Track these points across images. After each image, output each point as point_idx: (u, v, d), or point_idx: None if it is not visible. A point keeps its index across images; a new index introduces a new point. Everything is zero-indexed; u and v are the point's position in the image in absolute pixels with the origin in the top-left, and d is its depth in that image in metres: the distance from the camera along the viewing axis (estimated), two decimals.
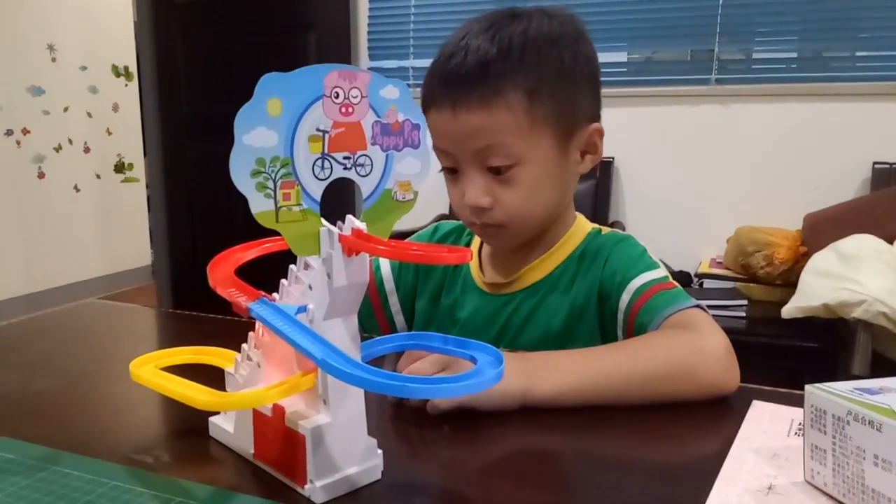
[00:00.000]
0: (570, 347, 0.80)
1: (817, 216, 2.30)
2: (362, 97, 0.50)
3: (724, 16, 2.60)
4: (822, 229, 2.20)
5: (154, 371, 0.59)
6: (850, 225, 2.08)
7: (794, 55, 2.65)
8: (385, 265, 0.97)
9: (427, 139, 0.54)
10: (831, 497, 0.49)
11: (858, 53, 2.55)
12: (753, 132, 2.58)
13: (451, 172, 0.83)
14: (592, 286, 0.84)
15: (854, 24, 2.51)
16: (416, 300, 0.97)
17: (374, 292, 0.97)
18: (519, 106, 0.77)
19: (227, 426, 0.58)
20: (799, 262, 2.21)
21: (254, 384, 0.56)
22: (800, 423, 0.59)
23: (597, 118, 0.84)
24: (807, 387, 0.51)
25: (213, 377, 0.59)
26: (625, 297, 0.80)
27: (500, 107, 0.76)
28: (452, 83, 0.78)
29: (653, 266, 0.82)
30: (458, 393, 0.45)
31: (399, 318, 0.98)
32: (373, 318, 0.98)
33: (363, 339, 0.55)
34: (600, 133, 0.84)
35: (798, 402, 0.63)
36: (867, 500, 0.46)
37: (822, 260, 1.99)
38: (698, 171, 2.61)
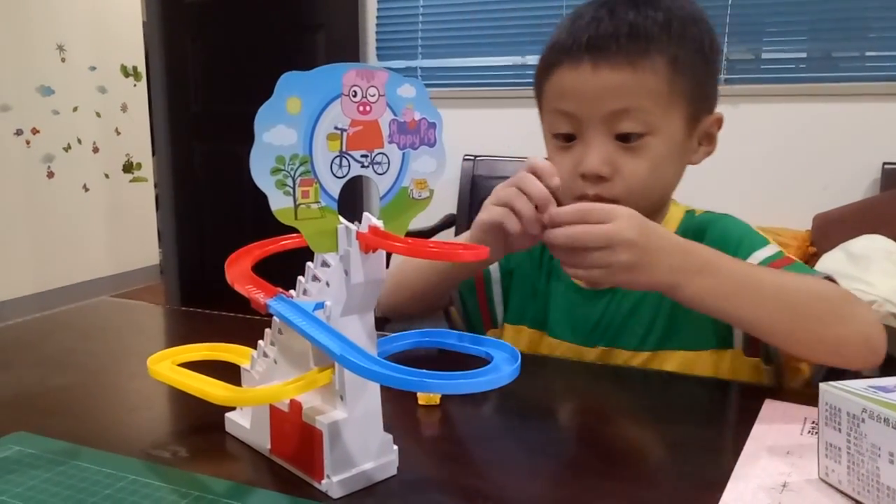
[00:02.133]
0: (676, 345, 0.80)
1: (826, 216, 2.29)
2: (380, 96, 0.51)
3: (732, 16, 2.59)
4: (832, 230, 2.19)
5: (171, 367, 0.60)
6: (860, 225, 2.07)
7: (804, 55, 2.64)
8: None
9: (443, 138, 0.54)
10: (846, 495, 0.49)
11: (868, 53, 2.53)
12: (762, 132, 2.57)
13: (566, 140, 0.80)
14: None
15: (864, 23, 2.50)
16: (510, 291, 0.94)
17: (480, 280, 0.94)
18: (664, 72, 0.75)
19: (244, 422, 0.59)
20: (808, 262, 2.20)
21: (270, 380, 0.57)
22: (813, 422, 0.60)
23: (714, 110, 0.82)
24: (821, 385, 0.51)
25: (228, 373, 0.59)
26: None
27: (645, 69, 0.75)
28: (596, 41, 0.75)
29: (762, 242, 0.79)
30: (476, 388, 0.45)
31: (499, 310, 0.95)
32: (477, 309, 0.95)
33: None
34: (720, 123, 0.82)
35: (809, 401, 0.63)
36: (882, 498, 0.46)
37: (831, 260, 1.98)
38: (707, 171, 2.58)
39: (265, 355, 0.58)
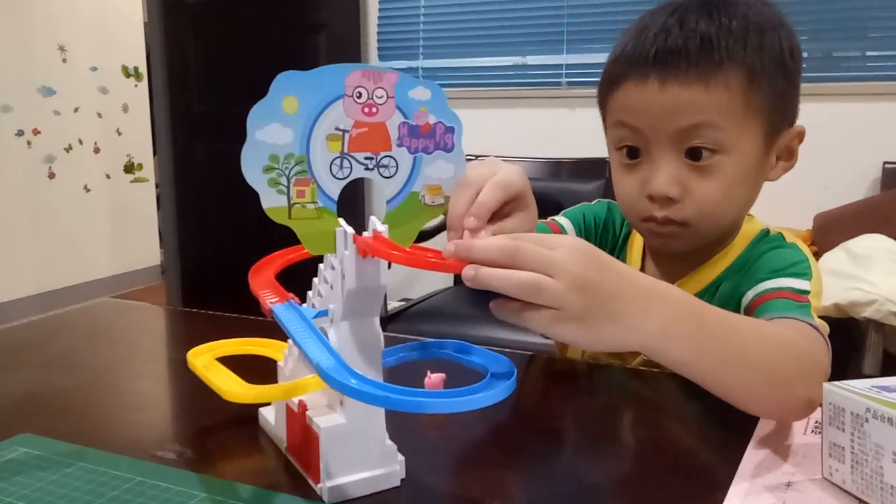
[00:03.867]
0: None
1: (828, 216, 2.30)
2: (388, 98, 0.50)
3: None
4: (833, 229, 2.20)
5: (208, 360, 0.61)
6: (861, 225, 2.07)
7: (805, 55, 2.63)
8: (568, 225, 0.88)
9: (461, 143, 0.52)
10: (850, 494, 0.49)
11: (869, 53, 2.54)
12: None
13: (631, 156, 0.75)
14: (732, 295, 0.75)
15: (865, 23, 2.50)
16: None
17: None
18: (738, 87, 0.70)
19: (270, 417, 0.60)
20: None
21: (296, 377, 0.56)
22: (816, 422, 0.60)
23: (794, 122, 0.78)
24: (825, 384, 0.51)
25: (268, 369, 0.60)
26: (749, 295, 0.72)
27: (718, 84, 0.70)
28: (664, 55, 0.70)
29: (801, 275, 0.72)
30: (472, 406, 0.43)
31: None
32: None
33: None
34: (801, 137, 0.77)
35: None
36: (886, 497, 0.46)
37: (832, 260, 1.98)
38: None
39: (292, 353, 0.58)
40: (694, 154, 0.71)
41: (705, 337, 0.55)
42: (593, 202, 0.92)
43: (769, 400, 0.59)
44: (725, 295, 0.77)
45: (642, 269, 0.84)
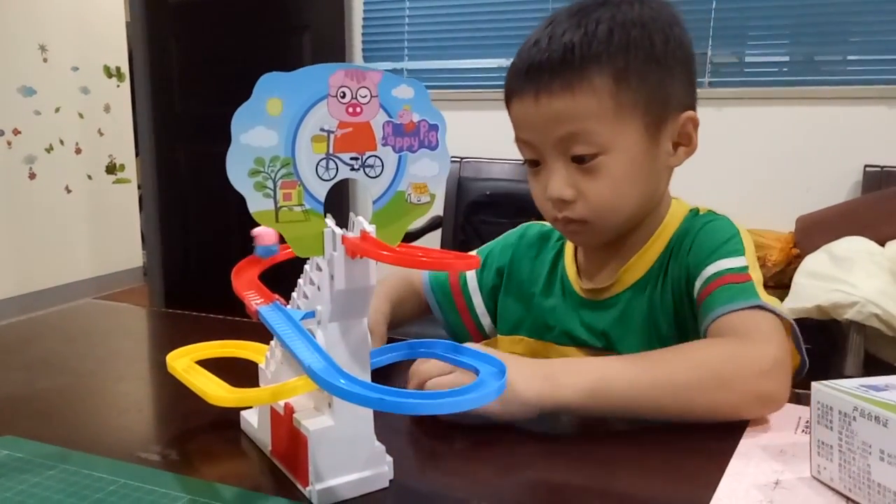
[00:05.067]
0: None
1: (809, 218, 2.31)
2: (372, 97, 0.49)
3: (717, 19, 2.61)
4: (815, 231, 2.21)
5: (188, 364, 0.60)
6: (843, 227, 2.09)
7: (787, 59, 2.67)
8: None
9: (446, 140, 0.53)
10: (837, 492, 0.49)
11: (850, 57, 2.56)
12: (746, 135, 2.59)
13: (534, 165, 0.80)
14: (681, 275, 0.79)
15: (845, 27, 2.53)
16: (498, 302, 0.93)
17: (458, 293, 0.94)
18: (605, 91, 0.73)
19: (253, 420, 0.59)
20: (791, 263, 2.22)
21: (279, 380, 0.56)
22: (806, 421, 0.60)
23: (691, 107, 0.80)
24: (813, 384, 0.51)
25: (249, 372, 0.59)
26: (697, 285, 0.75)
27: (584, 91, 0.73)
28: (535, 70, 0.75)
29: (735, 252, 0.75)
30: (462, 407, 0.43)
31: (486, 321, 0.95)
32: (460, 322, 0.95)
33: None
34: (695, 123, 0.79)
35: (803, 400, 0.64)
36: (873, 495, 0.47)
37: (814, 262, 2.00)
38: (690, 173, 2.60)
39: (274, 356, 0.57)
40: (579, 158, 0.75)
41: (589, 376, 0.62)
42: (516, 227, 0.98)
43: (695, 413, 0.62)
44: (677, 278, 0.79)
45: (576, 263, 0.88)
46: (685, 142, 0.80)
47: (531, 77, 0.75)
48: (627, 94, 0.74)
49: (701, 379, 0.62)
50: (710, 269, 0.74)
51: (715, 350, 0.66)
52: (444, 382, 0.60)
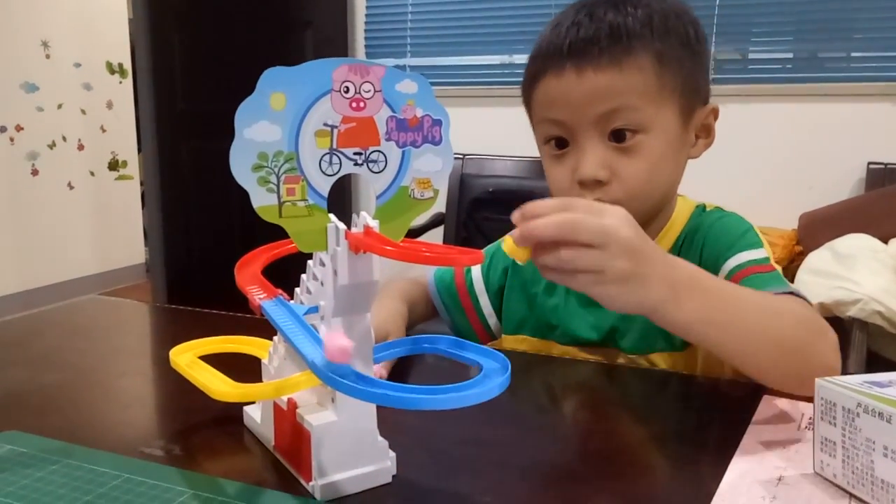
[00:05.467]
0: (689, 347, 0.78)
1: (813, 216, 2.31)
2: (375, 91, 0.49)
3: (720, 16, 2.61)
4: (818, 229, 2.21)
5: (191, 359, 0.60)
6: (846, 224, 2.09)
7: (790, 56, 2.66)
8: (476, 266, 0.92)
9: (449, 136, 0.52)
10: (840, 488, 0.49)
11: (854, 54, 2.56)
12: (749, 132, 2.59)
13: (559, 147, 0.78)
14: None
15: (849, 24, 2.52)
16: (504, 301, 0.93)
17: (465, 294, 0.94)
18: (650, 69, 0.74)
19: (256, 416, 0.59)
20: (794, 261, 2.22)
21: (282, 375, 0.56)
22: (810, 417, 0.60)
23: (708, 101, 0.82)
24: (817, 380, 0.51)
25: (253, 367, 0.59)
26: (719, 277, 0.74)
27: (631, 67, 0.74)
28: (578, 46, 0.75)
29: (754, 245, 0.77)
30: (465, 403, 0.43)
31: (493, 321, 0.94)
32: (467, 322, 0.95)
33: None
34: (716, 114, 0.81)
35: (806, 397, 0.63)
36: (876, 491, 0.46)
37: (817, 259, 2.00)
38: (693, 170, 2.60)
39: (277, 351, 0.57)
40: (617, 136, 0.75)
41: (707, 303, 0.60)
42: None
43: (784, 368, 0.62)
44: None
45: None
46: (705, 133, 0.82)
47: (574, 53, 0.75)
48: (669, 77, 0.75)
49: (803, 343, 0.63)
50: (732, 262, 0.75)
51: (808, 316, 0.66)
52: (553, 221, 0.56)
